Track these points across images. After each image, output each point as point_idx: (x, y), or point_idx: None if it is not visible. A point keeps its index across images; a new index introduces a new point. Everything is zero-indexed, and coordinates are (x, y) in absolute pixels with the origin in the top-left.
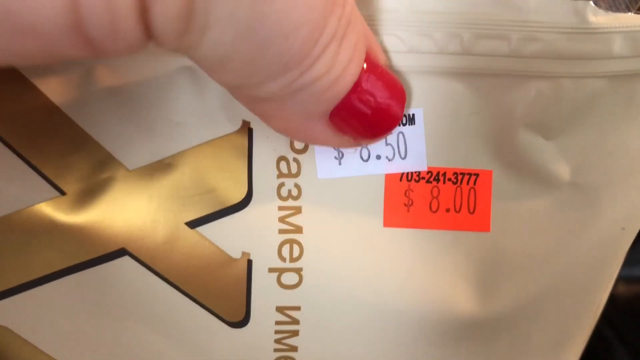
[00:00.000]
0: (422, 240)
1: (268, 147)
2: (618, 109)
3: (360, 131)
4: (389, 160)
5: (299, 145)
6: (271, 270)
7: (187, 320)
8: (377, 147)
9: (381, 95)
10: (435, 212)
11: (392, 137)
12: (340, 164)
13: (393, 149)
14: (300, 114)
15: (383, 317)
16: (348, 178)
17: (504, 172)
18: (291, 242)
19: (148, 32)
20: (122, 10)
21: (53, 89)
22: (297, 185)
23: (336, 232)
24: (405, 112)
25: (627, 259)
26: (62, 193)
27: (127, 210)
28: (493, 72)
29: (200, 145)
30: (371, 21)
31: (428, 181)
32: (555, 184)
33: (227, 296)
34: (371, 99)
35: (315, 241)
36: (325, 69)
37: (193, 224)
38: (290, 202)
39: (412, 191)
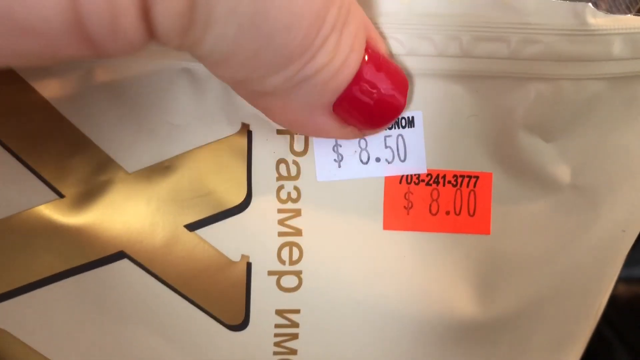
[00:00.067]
0: (422, 243)
1: (267, 149)
2: (618, 111)
3: (364, 121)
4: (389, 162)
5: (298, 147)
6: (270, 273)
7: (186, 323)
8: (377, 149)
9: (383, 84)
10: (435, 214)
11: (391, 140)
12: (339, 166)
13: (392, 151)
14: (303, 107)
15: (383, 319)
16: (347, 181)
17: (504, 175)
18: (291, 244)
19: (150, 30)
20: (122, 8)
21: (51, 92)
22: (296, 188)
23: (336, 234)
24: (404, 115)
25: (627, 260)
26: (61, 196)
27: (126, 213)
28: (493, 74)
29: (199, 147)
30: None
31: (428, 184)
32: (555, 186)
33: (227, 299)
34: (373, 88)
35: (314, 244)
36: (327, 60)
37: (192, 227)
38: (289, 205)
39: (412, 194)
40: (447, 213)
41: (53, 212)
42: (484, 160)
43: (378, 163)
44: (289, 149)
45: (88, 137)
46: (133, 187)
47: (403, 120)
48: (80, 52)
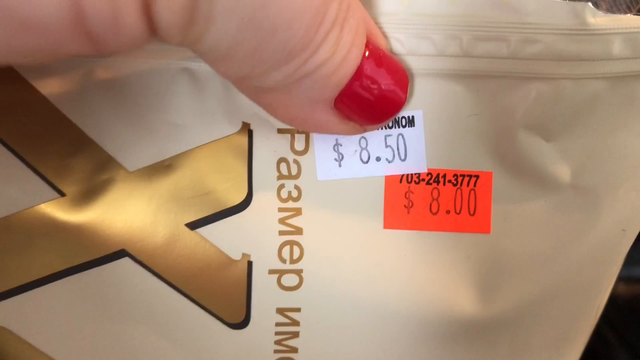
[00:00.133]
0: (422, 242)
1: (268, 148)
2: (618, 110)
3: (365, 116)
4: (389, 162)
5: (299, 146)
6: (271, 271)
7: (187, 321)
8: (377, 148)
9: (384, 80)
10: (436, 213)
11: (391, 139)
12: (340, 165)
13: (393, 150)
14: (305, 103)
15: (383, 318)
16: (348, 180)
17: (504, 174)
18: (291, 243)
19: (151, 26)
20: (124, 4)
21: (53, 91)
22: (297, 187)
23: (336, 233)
24: (405, 114)
25: (627, 259)
26: (62, 194)
27: (127, 212)
28: (493, 73)
29: (200, 146)
30: None
31: (428, 183)
32: (555, 186)
33: (228, 297)
34: (374, 84)
35: (315, 243)
36: (328, 55)
37: (193, 226)
38: (290, 204)
39: (412, 193)
40: (448, 212)
41: (54, 210)
42: (484, 159)
43: (378, 162)
44: (289, 148)
45: (89, 136)
46: (134, 185)
47: (403, 120)
48: (82, 49)
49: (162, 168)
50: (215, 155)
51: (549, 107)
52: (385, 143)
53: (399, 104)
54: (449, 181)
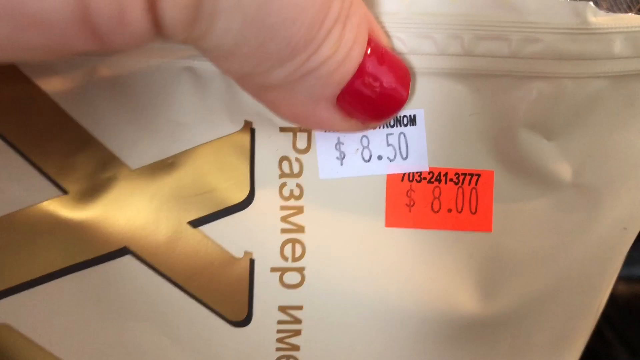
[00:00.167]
0: (424, 241)
1: (270, 147)
2: (619, 109)
3: (368, 114)
4: (391, 160)
5: (301, 145)
6: (273, 269)
7: (189, 319)
8: (379, 147)
9: (386, 77)
10: (437, 212)
11: (393, 138)
12: (342, 164)
13: (394, 149)
14: (308, 100)
15: (385, 316)
16: (350, 178)
17: (505, 173)
18: (293, 241)
19: (156, 23)
20: (130, 1)
21: (55, 89)
22: (299, 185)
23: (338, 232)
24: (406, 113)
25: (627, 259)
26: (65, 192)
27: (130, 209)
28: (494, 73)
29: (202, 145)
30: None
31: (430, 181)
32: (556, 185)
33: (230, 295)
34: (376, 81)
35: (317, 241)
36: (331, 52)
37: (196, 223)
38: (292, 202)
39: (414, 191)
40: (449, 211)
41: (57, 208)
42: (485, 158)
43: (380, 161)
44: (291, 147)
45: (92, 134)
46: (137, 183)
47: (405, 119)
48: (87, 46)
49: (164, 166)
50: (217, 154)
51: (550, 106)
52: (387, 142)
53: (401, 102)
54: (451, 180)
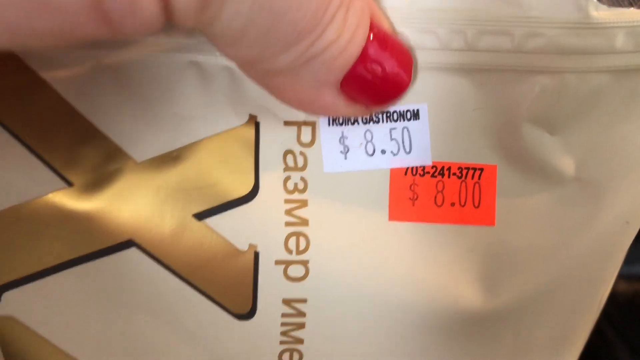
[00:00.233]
0: (427, 234)
1: (275, 140)
2: (621, 104)
3: (371, 98)
4: (394, 154)
5: (305, 139)
6: (278, 262)
7: (193, 311)
8: (382, 141)
9: (388, 62)
10: (440, 206)
11: (396, 132)
12: (346, 158)
13: (398, 143)
14: (312, 85)
15: (388, 310)
16: (354, 172)
17: (508, 167)
18: (297, 234)
19: (166, 9)
20: None
21: (61, 83)
22: (303, 179)
23: (342, 225)
24: (409, 107)
25: (628, 257)
26: (70, 184)
27: (135, 202)
28: (497, 67)
29: (207, 138)
30: None
31: (433, 175)
32: (559, 179)
33: (234, 288)
34: (378, 66)
35: (321, 234)
36: (335, 36)
37: (200, 216)
38: (296, 195)
39: (417, 185)
40: (452, 204)
41: (62, 200)
42: (488, 152)
43: (384, 155)
44: (296, 140)
45: (97, 127)
46: (142, 176)
47: (408, 113)
48: (98, 31)
49: (169, 159)
50: (222, 147)
51: (552, 100)
52: (391, 136)
53: (403, 86)
54: (454, 174)
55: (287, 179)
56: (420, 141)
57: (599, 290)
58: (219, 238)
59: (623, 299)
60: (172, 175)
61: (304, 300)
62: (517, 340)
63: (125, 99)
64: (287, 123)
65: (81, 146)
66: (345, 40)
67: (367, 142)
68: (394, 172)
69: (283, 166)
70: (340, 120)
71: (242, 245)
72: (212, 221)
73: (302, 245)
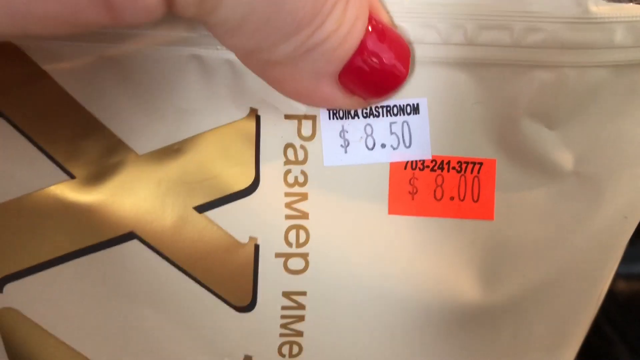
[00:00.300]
0: (426, 228)
1: (275, 134)
2: (620, 99)
3: (368, 90)
4: (394, 148)
5: (306, 132)
6: (278, 255)
7: (194, 304)
8: (382, 135)
9: (386, 55)
10: (440, 200)
11: (396, 126)
12: (346, 152)
13: (398, 137)
14: (311, 76)
15: (387, 303)
16: (354, 166)
17: (507, 161)
18: (297, 227)
19: None
20: None
21: (63, 76)
22: (303, 172)
23: (342, 218)
24: (409, 102)
25: (627, 256)
26: (72, 176)
27: (137, 195)
28: (496, 62)
29: (208, 131)
30: None
31: (432, 169)
32: (558, 173)
33: (234, 280)
34: (376, 58)
35: (321, 227)
36: (334, 27)
37: (201, 209)
38: (296, 189)
39: (417, 179)
40: (452, 199)
41: (64, 192)
42: (487, 147)
43: (383, 149)
44: (296, 134)
45: (99, 120)
46: (143, 168)
47: (408, 107)
48: (99, 18)
49: (171, 152)
50: (223, 140)
51: (552, 95)
52: (390, 130)
53: (401, 78)
54: (453, 168)
55: (287, 172)
56: (420, 135)
57: (598, 284)
58: (219, 231)
59: (623, 299)
60: (174, 168)
61: (303, 293)
62: (516, 334)
63: (127, 91)
64: (287, 117)
65: (83, 138)
66: (344, 32)
67: (367, 136)
68: (393, 166)
69: (283, 159)
70: (341, 114)
71: (243, 238)
72: (212, 214)
73: (302, 238)
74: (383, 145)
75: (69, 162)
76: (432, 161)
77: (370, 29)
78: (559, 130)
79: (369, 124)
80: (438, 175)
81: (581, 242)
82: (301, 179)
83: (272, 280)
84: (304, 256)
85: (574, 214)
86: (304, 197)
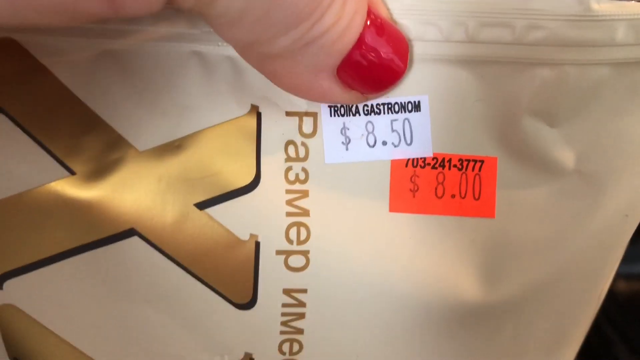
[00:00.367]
0: (427, 226)
1: (276, 131)
2: (622, 97)
3: (367, 85)
4: (395, 146)
5: (307, 129)
6: (278, 252)
7: (194, 301)
8: (383, 133)
9: (384, 49)
10: (441, 197)
11: (398, 124)
12: (347, 149)
13: (399, 135)
14: (310, 70)
15: (388, 300)
16: (355, 163)
17: (509, 159)
18: (298, 225)
19: None
20: None
21: (64, 71)
22: (304, 169)
23: (342, 216)
24: (410, 99)
25: (627, 256)
26: (72, 173)
27: (137, 191)
28: (498, 59)
29: (209, 128)
30: None
31: (433, 167)
32: (559, 171)
33: (235, 278)
34: (374, 53)
35: (321, 224)
36: (334, 20)
37: (202, 205)
38: (297, 186)
39: (418, 177)
40: (453, 196)
41: (64, 188)
42: (489, 144)
43: (385, 146)
44: (297, 131)
45: (100, 116)
46: (144, 165)
47: (409, 105)
48: (99, 9)
49: (172, 148)
50: (224, 137)
51: (553, 93)
52: (392, 127)
53: (399, 73)
54: (454, 166)
55: (288, 169)
56: (421, 133)
57: (599, 283)
58: (220, 228)
59: (623, 299)
60: (174, 165)
61: (304, 291)
62: (517, 332)
63: (128, 88)
64: (288, 113)
65: (83, 134)
66: (343, 26)
67: (368, 134)
68: (394, 164)
69: (284, 156)
70: (342, 111)
71: (243, 235)
72: (213, 211)
73: (303, 236)
74: (384, 143)
75: (69, 158)
76: (433, 159)
77: (368, 23)
78: (560, 128)
79: (370, 121)
80: (439, 172)
81: (582, 241)
82: (302, 176)
83: (272, 278)
84: (305, 253)
85: (575, 213)
86: (304, 194)
